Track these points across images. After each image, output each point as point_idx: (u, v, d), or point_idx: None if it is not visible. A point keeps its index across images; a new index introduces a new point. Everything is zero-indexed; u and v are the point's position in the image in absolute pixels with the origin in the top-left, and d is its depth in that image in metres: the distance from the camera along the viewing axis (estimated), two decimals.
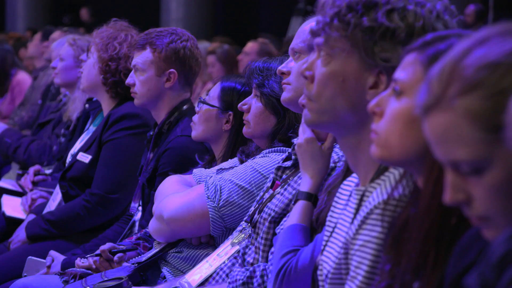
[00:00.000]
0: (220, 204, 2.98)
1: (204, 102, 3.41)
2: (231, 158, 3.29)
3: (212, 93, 3.44)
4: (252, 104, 3.05)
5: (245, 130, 3.08)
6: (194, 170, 3.29)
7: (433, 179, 1.59)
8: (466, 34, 1.67)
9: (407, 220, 1.67)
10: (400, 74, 1.68)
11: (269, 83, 3.00)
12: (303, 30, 2.58)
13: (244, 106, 3.08)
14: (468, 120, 1.27)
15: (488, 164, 1.27)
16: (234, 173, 3.01)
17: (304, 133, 2.42)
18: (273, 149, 3.00)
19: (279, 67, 2.66)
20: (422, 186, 1.63)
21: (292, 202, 2.41)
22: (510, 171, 1.26)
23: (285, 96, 2.62)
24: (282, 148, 2.99)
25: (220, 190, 2.99)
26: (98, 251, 3.42)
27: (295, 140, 2.67)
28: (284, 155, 2.82)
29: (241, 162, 3.16)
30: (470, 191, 1.30)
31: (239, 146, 3.27)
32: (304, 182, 2.43)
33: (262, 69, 3.03)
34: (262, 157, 3.01)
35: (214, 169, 3.23)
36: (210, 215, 2.99)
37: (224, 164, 3.22)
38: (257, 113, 3.03)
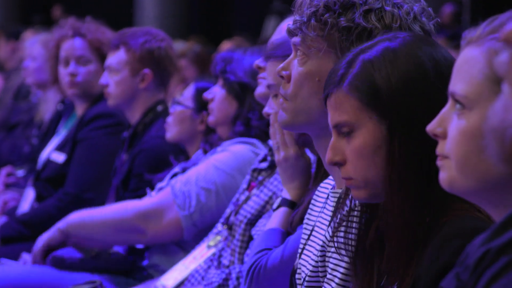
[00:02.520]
0: (191, 211, 2.98)
1: (178, 103, 3.39)
2: None
3: (186, 93, 3.42)
4: (217, 92, 3.07)
5: (209, 118, 3.10)
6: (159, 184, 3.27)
7: (395, 189, 1.61)
8: (369, 46, 1.69)
9: (373, 239, 1.67)
10: (339, 116, 1.67)
11: (231, 66, 3.03)
12: (283, 27, 2.56)
13: (209, 94, 3.10)
14: (484, 59, 1.28)
15: (472, 107, 1.28)
16: (198, 175, 3.00)
17: (289, 148, 2.39)
18: (232, 141, 3.01)
19: (256, 61, 2.64)
20: (386, 199, 1.63)
21: (273, 207, 2.39)
22: (485, 119, 1.27)
23: (260, 91, 2.61)
24: (242, 138, 2.99)
25: (189, 197, 2.98)
26: None
27: (271, 142, 2.65)
28: (244, 146, 2.82)
29: (204, 151, 3.16)
30: (446, 127, 1.33)
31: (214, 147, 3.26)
32: (289, 190, 2.40)
33: (225, 57, 3.08)
34: (222, 151, 3.01)
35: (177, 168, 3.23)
36: (183, 224, 2.99)
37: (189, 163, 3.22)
38: (220, 99, 3.07)
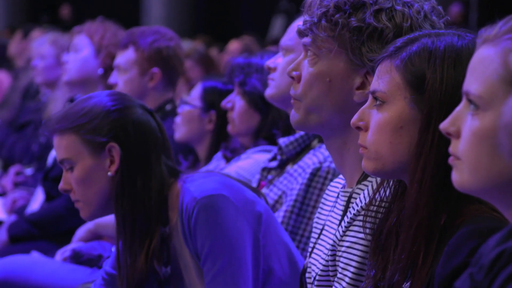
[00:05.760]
0: None
1: (186, 103, 3.39)
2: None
3: (193, 93, 3.42)
4: (236, 102, 3.05)
5: (230, 128, 3.08)
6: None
7: (418, 179, 1.60)
8: (436, 34, 1.68)
9: (391, 226, 1.68)
10: (378, 85, 1.69)
11: (251, 81, 2.99)
12: (293, 27, 2.56)
13: (228, 103, 3.07)
14: (499, 60, 1.28)
15: (486, 108, 1.29)
16: None
17: None
18: (256, 149, 2.99)
19: (267, 62, 2.65)
20: (408, 187, 1.63)
21: None
22: (499, 122, 1.27)
23: (267, 92, 2.63)
24: (265, 147, 2.97)
25: None
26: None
27: (281, 141, 2.66)
28: (269, 155, 2.81)
29: (226, 158, 3.14)
30: (460, 126, 1.33)
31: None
32: None
33: (243, 66, 3.03)
34: (246, 158, 2.99)
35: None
36: None
37: (211, 167, 3.20)
38: (241, 111, 3.03)
